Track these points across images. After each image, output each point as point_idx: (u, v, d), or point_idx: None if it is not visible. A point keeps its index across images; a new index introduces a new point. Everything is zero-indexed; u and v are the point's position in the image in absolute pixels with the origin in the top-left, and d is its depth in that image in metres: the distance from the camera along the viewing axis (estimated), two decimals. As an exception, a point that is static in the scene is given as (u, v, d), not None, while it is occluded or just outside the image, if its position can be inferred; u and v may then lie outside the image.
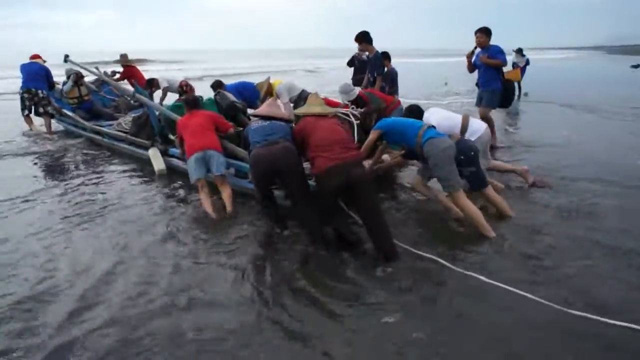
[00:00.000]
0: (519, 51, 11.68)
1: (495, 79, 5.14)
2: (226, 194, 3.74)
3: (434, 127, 3.35)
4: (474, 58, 5.31)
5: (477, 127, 3.74)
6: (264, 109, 3.40)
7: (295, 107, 4.87)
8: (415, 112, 3.75)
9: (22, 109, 6.93)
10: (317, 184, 2.97)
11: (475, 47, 5.22)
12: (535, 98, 11.28)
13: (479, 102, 5.49)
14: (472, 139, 3.62)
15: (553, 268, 2.71)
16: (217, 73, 18.03)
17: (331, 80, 13.76)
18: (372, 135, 3.41)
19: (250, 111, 4.88)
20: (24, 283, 2.65)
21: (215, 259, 2.93)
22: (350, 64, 7.49)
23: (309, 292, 2.51)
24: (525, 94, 11.67)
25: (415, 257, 2.88)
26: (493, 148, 5.48)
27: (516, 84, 11.42)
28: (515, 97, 11.07)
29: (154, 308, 2.38)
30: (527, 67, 11.73)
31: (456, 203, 3.22)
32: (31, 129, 7.09)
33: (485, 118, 5.21)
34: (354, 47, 6.13)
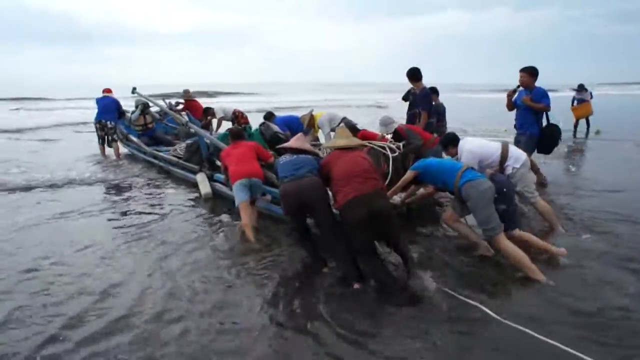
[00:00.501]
0: (581, 87, 11.10)
1: (533, 123, 4.88)
2: (254, 213, 4.07)
3: (472, 168, 3.27)
4: (515, 96, 5.03)
5: (518, 154, 3.68)
6: (292, 142, 3.53)
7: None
8: (451, 139, 3.74)
9: (99, 138, 7.92)
10: (341, 218, 2.97)
11: (518, 86, 4.96)
12: (609, 136, 10.41)
13: (517, 145, 5.13)
14: (517, 166, 3.59)
15: (609, 327, 2.42)
16: (279, 106, 18.86)
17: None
18: (408, 175, 3.39)
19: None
20: (54, 288, 2.93)
21: (243, 283, 3.03)
22: (405, 98, 7.66)
23: (329, 327, 2.45)
24: (597, 132, 10.86)
25: (453, 301, 2.69)
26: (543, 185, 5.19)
27: (584, 121, 10.84)
28: (584, 135, 10.53)
29: (171, 327, 2.48)
30: (591, 101, 11.08)
31: (498, 247, 3.06)
32: (103, 156, 7.99)
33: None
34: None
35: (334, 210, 3.15)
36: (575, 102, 11.01)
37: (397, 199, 3.78)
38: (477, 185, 3.03)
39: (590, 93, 11.09)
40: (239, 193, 3.96)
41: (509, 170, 3.63)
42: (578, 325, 2.43)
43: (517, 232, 3.22)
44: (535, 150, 5.09)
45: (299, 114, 6.50)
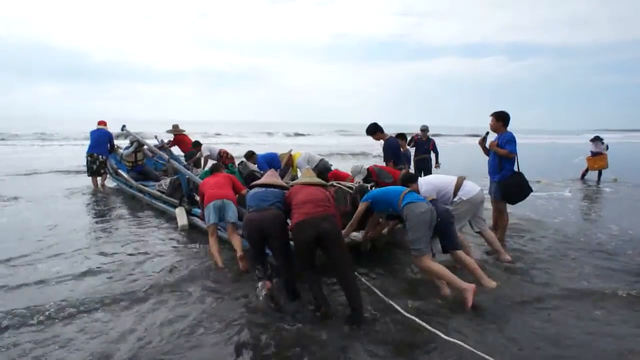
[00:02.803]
0: (597, 138, 11.55)
1: (497, 170, 4.85)
2: (237, 241, 4.30)
3: (414, 192, 3.68)
4: (487, 143, 5.06)
5: (470, 188, 4.17)
6: (263, 179, 3.99)
7: (318, 177, 5.43)
8: (409, 178, 4.16)
9: (87, 170, 8.60)
10: (292, 238, 3.35)
11: (487, 133, 5.06)
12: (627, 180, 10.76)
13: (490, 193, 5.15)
14: (463, 198, 4.11)
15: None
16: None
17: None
18: (361, 207, 3.80)
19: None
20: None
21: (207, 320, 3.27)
22: (409, 143, 8.28)
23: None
24: (615, 180, 11.07)
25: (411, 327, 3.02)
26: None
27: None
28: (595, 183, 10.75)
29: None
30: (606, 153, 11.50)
31: (420, 267, 3.48)
32: (94, 187, 8.60)
33: (498, 212, 4.98)
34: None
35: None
36: (590, 153, 11.43)
37: (358, 235, 4.10)
38: (415, 208, 3.44)
39: (607, 146, 11.45)
40: (209, 215, 4.43)
41: (456, 199, 4.11)
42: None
43: (461, 254, 3.65)
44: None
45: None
